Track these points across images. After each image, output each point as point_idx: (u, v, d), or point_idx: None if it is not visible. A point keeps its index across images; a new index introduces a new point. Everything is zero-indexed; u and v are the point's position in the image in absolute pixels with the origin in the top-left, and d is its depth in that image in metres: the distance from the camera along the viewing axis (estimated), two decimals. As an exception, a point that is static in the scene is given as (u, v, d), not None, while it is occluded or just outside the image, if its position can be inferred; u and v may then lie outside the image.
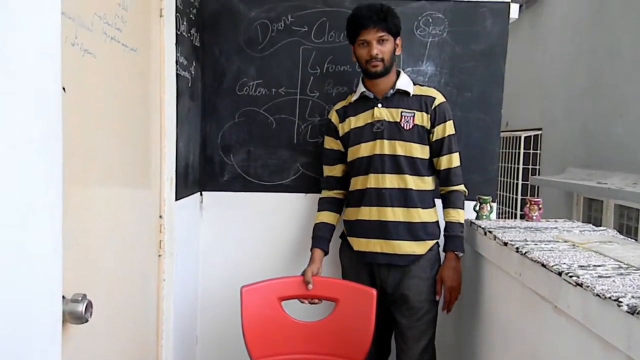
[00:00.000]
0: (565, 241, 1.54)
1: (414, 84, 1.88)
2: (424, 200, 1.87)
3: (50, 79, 0.82)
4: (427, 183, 1.88)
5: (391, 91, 1.84)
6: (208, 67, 2.17)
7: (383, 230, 1.85)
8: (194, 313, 2.18)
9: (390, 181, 1.84)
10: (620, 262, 1.27)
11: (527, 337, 1.46)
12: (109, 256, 1.33)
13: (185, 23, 1.88)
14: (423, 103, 1.84)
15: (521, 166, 6.23)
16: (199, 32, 2.09)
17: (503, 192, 6.56)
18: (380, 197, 1.85)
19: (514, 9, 2.26)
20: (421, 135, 1.84)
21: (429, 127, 1.84)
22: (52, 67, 0.83)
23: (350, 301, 1.76)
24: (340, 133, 1.94)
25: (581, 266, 1.23)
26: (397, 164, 1.83)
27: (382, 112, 1.84)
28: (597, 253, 1.38)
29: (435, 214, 1.92)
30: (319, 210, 2.02)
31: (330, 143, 1.99)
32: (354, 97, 1.91)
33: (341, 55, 2.15)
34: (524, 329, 1.48)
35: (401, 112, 1.83)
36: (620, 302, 0.96)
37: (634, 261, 1.27)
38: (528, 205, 1.99)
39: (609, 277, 1.13)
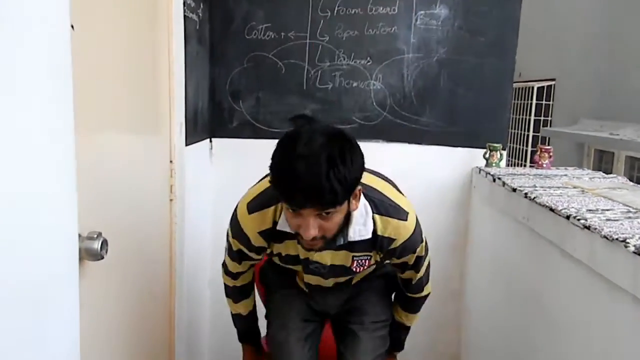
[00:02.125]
0: (575, 187, 1.54)
1: (374, 212, 1.25)
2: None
3: (58, 16, 0.81)
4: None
5: (341, 241, 1.24)
6: (216, 10, 2.12)
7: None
8: (206, 257, 2.23)
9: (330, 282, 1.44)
10: (629, 206, 1.28)
11: (532, 281, 1.48)
12: (123, 198, 1.35)
13: (192, -37, 1.83)
14: (379, 243, 1.28)
15: (532, 117, 6.14)
16: (206, -28, 2.04)
17: (513, 144, 6.50)
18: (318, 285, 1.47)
19: (530, -50, 2.18)
20: (377, 266, 1.44)
21: (384, 261, 1.38)
22: (60, 3, 0.81)
23: None
24: (270, 249, 1.38)
25: (590, 210, 1.23)
26: (341, 282, 1.45)
27: (323, 256, 1.31)
28: (607, 198, 1.38)
29: None
30: (234, 301, 1.57)
31: (243, 249, 1.37)
32: (280, 227, 1.27)
33: (352, -3, 2.08)
34: (529, 273, 1.51)
35: (352, 256, 1.31)
36: (628, 243, 0.97)
37: (643, 206, 1.27)
38: (538, 153, 1.98)
39: (617, 220, 1.14)
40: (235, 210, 1.35)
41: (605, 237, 1.04)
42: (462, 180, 2.16)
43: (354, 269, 1.33)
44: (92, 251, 1.00)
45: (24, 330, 0.74)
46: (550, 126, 5.83)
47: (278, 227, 1.26)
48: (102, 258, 1.02)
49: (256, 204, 1.29)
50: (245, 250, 1.37)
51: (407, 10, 2.08)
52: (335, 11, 2.10)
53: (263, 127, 2.21)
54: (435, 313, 2.24)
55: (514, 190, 1.57)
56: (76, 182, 0.88)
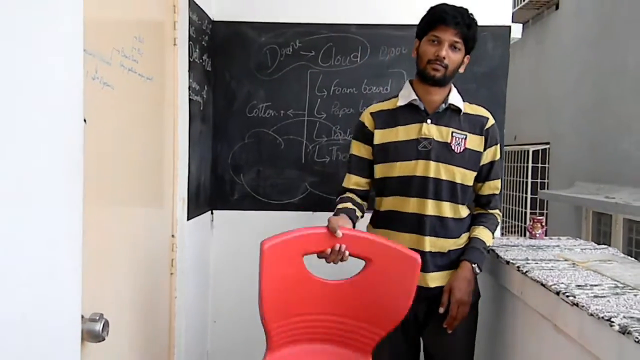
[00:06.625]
0: (566, 260, 1.58)
1: (464, 100, 1.66)
2: (460, 229, 1.66)
3: (72, 112, 0.89)
4: (461, 211, 1.65)
5: (443, 106, 1.60)
6: (219, 91, 2.25)
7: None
8: (204, 329, 2.23)
9: (431, 207, 1.59)
10: (617, 281, 1.31)
11: (528, 354, 1.49)
12: (125, 275, 1.39)
13: (197, 50, 1.96)
14: (476, 124, 1.63)
15: (530, 180, 6.23)
16: (211, 57, 2.18)
17: (512, 205, 6.55)
18: (420, 224, 1.60)
19: (517, 29, 2.32)
20: (474, 160, 1.62)
21: (482, 151, 1.63)
22: (74, 101, 0.90)
23: (386, 263, 1.49)
24: (376, 141, 1.64)
25: (578, 286, 1.27)
26: (438, 189, 1.59)
27: (431, 130, 1.59)
28: (596, 272, 1.42)
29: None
30: (338, 204, 1.65)
31: (361, 149, 1.68)
32: (400, 103, 1.64)
33: (347, 78, 2.22)
34: (525, 346, 1.52)
35: (452, 132, 1.60)
36: (613, 322, 1.01)
37: (630, 281, 1.31)
38: (531, 223, 2.03)
39: (604, 296, 1.17)
40: None
41: (592, 315, 1.07)
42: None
43: (454, 148, 1.59)
44: (93, 333, 1.02)
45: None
46: (547, 188, 5.91)
47: (399, 103, 1.64)
48: (104, 339, 1.05)
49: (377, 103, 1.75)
50: (360, 145, 1.68)
51: (399, 89, 2.19)
52: (332, 91, 2.23)
53: (263, 199, 2.28)
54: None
55: (507, 262, 1.60)
56: (81, 261, 0.92)
